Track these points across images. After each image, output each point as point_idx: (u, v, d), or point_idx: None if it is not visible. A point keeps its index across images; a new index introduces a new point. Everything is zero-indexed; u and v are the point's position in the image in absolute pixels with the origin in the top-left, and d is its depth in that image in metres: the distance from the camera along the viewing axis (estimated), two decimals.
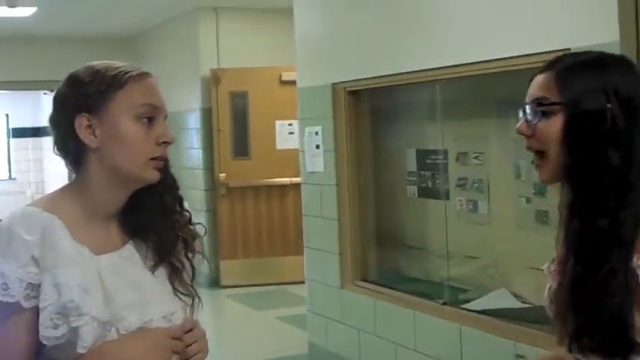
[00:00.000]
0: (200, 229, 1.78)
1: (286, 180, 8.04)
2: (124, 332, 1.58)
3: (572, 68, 1.56)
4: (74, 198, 1.65)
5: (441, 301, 4.41)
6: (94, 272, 1.59)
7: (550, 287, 1.65)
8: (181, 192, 1.76)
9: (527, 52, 3.62)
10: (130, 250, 1.67)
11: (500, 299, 4.20)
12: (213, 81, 8.34)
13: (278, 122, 8.30)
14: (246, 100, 8.43)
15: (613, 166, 1.49)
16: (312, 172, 5.40)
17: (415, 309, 4.50)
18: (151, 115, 1.64)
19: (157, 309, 1.64)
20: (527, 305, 4.10)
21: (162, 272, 1.69)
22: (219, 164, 8.33)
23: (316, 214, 5.39)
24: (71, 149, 1.65)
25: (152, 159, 1.63)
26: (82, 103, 1.61)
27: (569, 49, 3.41)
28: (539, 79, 1.61)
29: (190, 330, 1.63)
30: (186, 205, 1.77)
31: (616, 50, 3.07)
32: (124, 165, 1.61)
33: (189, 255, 1.73)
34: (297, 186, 5.97)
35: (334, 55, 5.16)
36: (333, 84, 5.13)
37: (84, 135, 1.61)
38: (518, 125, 1.63)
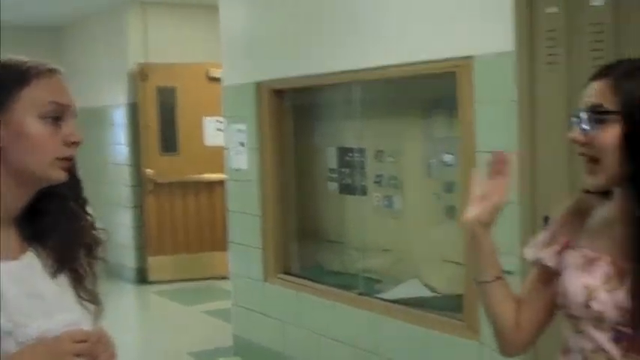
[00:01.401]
0: (103, 235, 1.71)
1: (214, 176, 8.09)
2: (22, 341, 1.48)
3: (629, 75, 1.53)
4: None
5: (357, 292, 4.64)
6: None
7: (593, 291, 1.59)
8: (86, 196, 1.70)
9: (435, 58, 3.87)
10: (30, 257, 1.57)
11: (412, 289, 4.45)
12: (140, 76, 8.34)
13: (206, 118, 8.37)
14: (174, 95, 8.46)
15: None
16: (237, 169, 5.55)
17: (334, 300, 4.72)
18: (58, 115, 1.55)
19: (60, 317, 1.53)
20: (437, 294, 4.35)
21: (64, 279, 1.60)
22: (146, 160, 8.37)
23: (240, 210, 5.55)
24: None
25: (59, 159, 1.56)
26: None
27: (472, 56, 3.67)
28: (595, 85, 1.57)
29: (98, 340, 1.53)
30: (89, 209, 1.70)
31: (510, 59, 3.35)
32: (30, 165, 1.53)
33: (91, 261, 1.66)
34: (224, 182, 6.10)
35: (258, 54, 5.32)
36: (257, 83, 5.29)
37: None
38: (572, 133, 1.59)
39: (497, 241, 3.58)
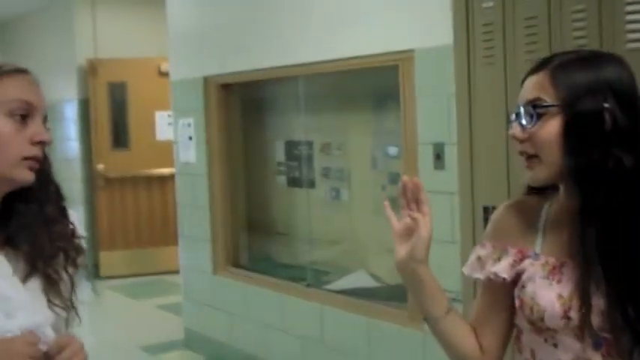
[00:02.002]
0: (84, 242, 1.70)
1: (166, 170, 8.07)
2: None
3: (566, 66, 1.50)
4: None
5: (305, 284, 4.70)
6: None
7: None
8: (65, 203, 1.68)
9: (377, 52, 3.93)
10: (1, 262, 1.55)
11: (358, 280, 4.52)
12: (90, 71, 8.31)
13: (158, 113, 8.35)
14: (125, 90, 8.44)
15: (621, 166, 1.45)
16: (186, 163, 5.57)
17: (282, 292, 4.77)
18: (25, 113, 1.54)
19: (20, 321, 1.52)
20: (381, 284, 4.43)
21: (36, 284, 1.57)
22: (97, 155, 8.33)
23: (189, 204, 5.57)
24: None
25: (25, 158, 1.53)
26: None
27: (412, 50, 3.74)
28: (533, 79, 1.53)
29: (65, 346, 1.50)
30: (73, 216, 1.69)
31: (449, 52, 3.42)
32: None
33: (70, 269, 1.63)
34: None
35: (206, 49, 5.33)
36: (205, 77, 5.31)
37: None
38: (511, 130, 1.55)
39: (438, 231, 3.67)
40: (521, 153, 1.54)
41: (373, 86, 4.45)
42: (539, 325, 1.52)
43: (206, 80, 5.31)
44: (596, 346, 1.48)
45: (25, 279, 1.56)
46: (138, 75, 8.35)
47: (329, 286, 4.58)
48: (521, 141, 1.53)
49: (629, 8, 2.79)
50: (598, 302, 1.46)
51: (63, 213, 1.64)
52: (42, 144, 1.56)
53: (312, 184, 5.01)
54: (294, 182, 5.20)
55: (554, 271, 1.53)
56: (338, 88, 4.77)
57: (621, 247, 1.45)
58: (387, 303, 4.14)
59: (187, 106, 5.52)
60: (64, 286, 1.62)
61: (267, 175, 5.43)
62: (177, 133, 5.65)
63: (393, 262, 1.63)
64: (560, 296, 1.49)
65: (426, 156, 3.72)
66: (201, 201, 5.41)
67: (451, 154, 3.55)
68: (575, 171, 1.47)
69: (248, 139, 5.46)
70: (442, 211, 3.64)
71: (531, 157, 1.52)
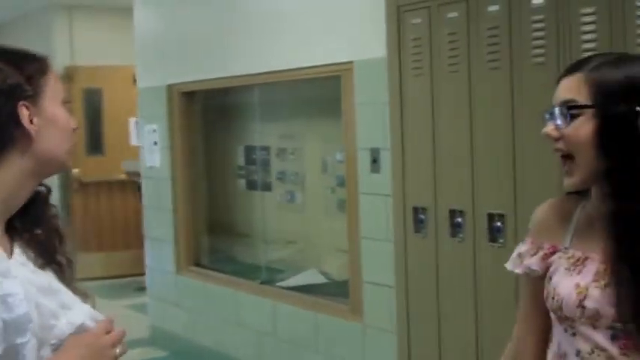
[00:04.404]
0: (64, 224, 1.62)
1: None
2: (55, 342, 1.39)
3: (601, 69, 1.51)
4: None
5: (260, 281, 4.97)
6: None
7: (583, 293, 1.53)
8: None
9: (321, 64, 4.21)
10: (19, 254, 1.46)
11: (309, 277, 4.80)
12: (66, 78, 8.52)
13: (132, 119, 8.57)
14: (101, 97, 8.66)
15: None
16: (151, 167, 5.83)
17: (238, 289, 5.04)
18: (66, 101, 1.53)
19: (80, 309, 1.46)
20: (329, 281, 4.71)
21: (51, 274, 1.49)
22: (72, 160, 8.50)
23: (154, 206, 5.83)
24: None
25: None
26: (22, 90, 1.45)
27: (352, 62, 4.03)
28: (567, 81, 1.55)
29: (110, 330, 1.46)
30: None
31: (383, 64, 3.69)
32: (58, 153, 1.48)
33: (67, 250, 1.56)
34: None
35: (169, 58, 5.60)
36: (168, 85, 5.58)
37: (27, 124, 1.44)
38: (545, 129, 1.57)
39: (374, 230, 3.96)
40: (557, 151, 1.56)
41: (322, 95, 4.73)
42: (559, 315, 1.56)
43: (169, 88, 5.58)
44: (614, 337, 1.50)
45: (42, 270, 1.48)
46: (113, 82, 8.56)
47: (282, 284, 4.85)
48: (555, 140, 1.55)
49: (535, 26, 3.08)
50: (611, 293, 1.48)
51: (48, 195, 1.58)
52: (75, 131, 1.55)
53: (268, 187, 5.28)
54: (252, 185, 5.47)
55: (577, 263, 1.56)
56: (291, 97, 5.06)
57: None
58: (333, 298, 4.42)
59: (152, 113, 5.78)
60: (69, 272, 1.56)
61: (228, 179, 5.70)
62: (143, 139, 5.91)
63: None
64: (577, 285, 1.52)
65: (364, 160, 4.00)
66: (165, 204, 5.67)
67: (386, 159, 3.83)
68: (607, 173, 1.48)
69: (210, 144, 5.73)
70: (378, 212, 3.93)
71: (566, 157, 1.54)
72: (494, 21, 3.20)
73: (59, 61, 8.53)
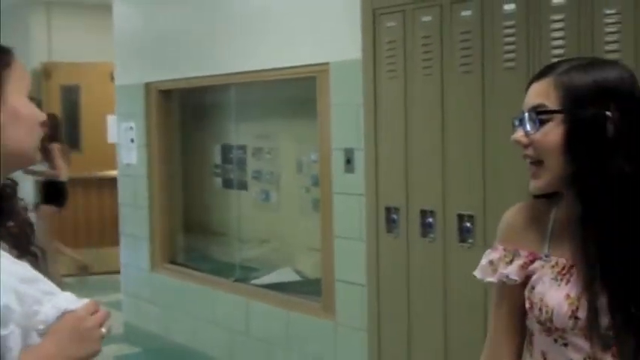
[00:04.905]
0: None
1: (116, 173, 8.32)
2: (41, 327, 1.39)
3: (570, 73, 1.50)
4: None
5: (234, 279, 5.01)
6: None
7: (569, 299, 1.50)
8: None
9: (298, 64, 4.27)
10: None
11: (282, 275, 4.85)
12: (43, 74, 8.51)
13: (109, 117, 8.56)
14: (78, 94, 8.67)
15: (622, 173, 1.45)
16: (127, 164, 5.85)
17: (212, 287, 5.08)
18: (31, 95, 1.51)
19: (63, 295, 1.44)
20: (302, 279, 4.76)
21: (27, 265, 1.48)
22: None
23: (130, 204, 5.85)
24: None
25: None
26: None
27: (328, 63, 4.08)
28: (537, 86, 1.54)
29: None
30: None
31: (358, 66, 3.75)
32: (25, 147, 1.47)
33: (38, 241, 1.57)
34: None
35: (147, 56, 5.63)
36: (146, 83, 5.60)
37: None
38: (514, 135, 1.55)
39: (348, 229, 4.00)
40: (526, 157, 1.55)
41: (298, 96, 4.78)
42: (548, 326, 1.52)
43: (147, 86, 5.60)
44: (606, 346, 1.47)
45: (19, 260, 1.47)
46: (91, 79, 8.57)
47: (256, 282, 4.90)
48: (525, 146, 1.53)
49: (506, 31, 3.15)
50: (603, 302, 1.45)
51: (15, 187, 1.56)
52: (43, 124, 1.53)
53: (244, 186, 5.32)
54: (228, 184, 5.51)
55: (563, 272, 1.52)
56: (267, 97, 5.10)
57: (622, 253, 1.45)
58: (306, 296, 4.46)
59: (130, 110, 5.80)
60: (43, 262, 1.55)
61: (204, 177, 5.73)
62: (120, 136, 5.93)
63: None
64: (568, 296, 1.49)
65: (338, 160, 4.05)
66: (141, 201, 5.69)
67: (360, 159, 3.88)
68: (576, 178, 1.47)
69: (186, 142, 5.76)
70: (352, 211, 3.98)
71: (535, 163, 1.52)
72: (467, 26, 3.27)
73: (37, 57, 8.52)
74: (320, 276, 4.37)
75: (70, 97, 8.65)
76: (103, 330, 1.43)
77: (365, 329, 3.77)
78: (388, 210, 3.64)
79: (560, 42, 2.96)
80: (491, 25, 3.19)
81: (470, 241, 3.29)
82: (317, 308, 4.27)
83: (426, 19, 3.45)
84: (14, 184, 1.54)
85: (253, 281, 4.93)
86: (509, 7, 3.12)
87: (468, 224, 3.31)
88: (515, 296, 1.60)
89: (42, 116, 1.52)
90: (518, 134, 1.54)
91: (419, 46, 3.49)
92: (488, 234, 3.22)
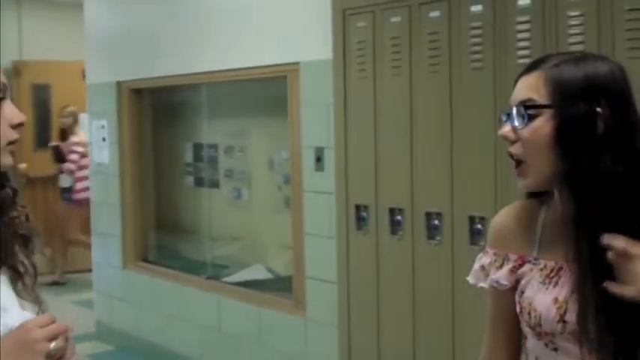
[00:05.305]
0: (36, 226, 1.57)
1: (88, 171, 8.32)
2: None
3: (560, 67, 1.45)
4: None
5: (205, 277, 5.04)
6: None
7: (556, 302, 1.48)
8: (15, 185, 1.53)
9: (268, 64, 4.30)
10: None
11: (254, 272, 4.88)
12: (14, 73, 8.46)
13: (81, 115, 8.54)
14: (49, 92, 8.63)
15: (612, 171, 1.40)
16: (99, 163, 5.85)
17: (184, 284, 5.10)
18: (2, 96, 1.42)
19: (18, 313, 1.41)
20: (274, 277, 4.80)
21: (2, 278, 1.44)
22: (19, 155, 8.47)
23: (102, 202, 5.85)
24: None
25: (9, 143, 1.42)
26: None
27: (298, 62, 4.12)
28: (526, 79, 1.49)
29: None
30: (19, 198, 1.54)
31: (328, 65, 3.79)
32: None
33: (29, 255, 1.50)
34: None
35: (119, 55, 5.63)
36: (118, 82, 5.61)
37: None
38: (502, 130, 1.50)
39: (318, 227, 4.05)
40: (510, 155, 1.50)
41: (269, 94, 4.82)
42: (538, 330, 1.49)
43: (119, 85, 5.61)
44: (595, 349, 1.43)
45: None
46: (62, 77, 8.52)
47: (227, 279, 4.93)
48: (512, 142, 1.49)
49: (473, 32, 3.21)
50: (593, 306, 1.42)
51: (14, 196, 1.50)
52: (20, 125, 1.45)
53: (216, 184, 5.35)
54: (200, 182, 5.53)
55: (551, 275, 1.49)
56: (238, 96, 5.13)
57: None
58: (277, 293, 4.51)
59: (102, 109, 5.80)
60: (29, 277, 1.48)
61: (176, 176, 5.75)
62: (92, 135, 5.93)
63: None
64: (556, 300, 1.46)
65: (309, 159, 4.10)
66: (113, 200, 5.69)
67: (330, 158, 3.92)
68: (566, 175, 1.43)
69: (158, 141, 5.78)
70: (322, 209, 4.03)
71: (519, 163, 1.48)
72: (434, 26, 3.32)
73: (7, 55, 8.45)
74: (291, 273, 4.42)
75: (41, 95, 8.60)
76: (52, 345, 1.32)
77: (335, 325, 3.82)
78: (358, 208, 3.69)
79: (525, 43, 3.02)
80: (458, 26, 3.25)
81: (438, 238, 3.35)
82: (288, 305, 4.31)
83: (395, 19, 3.51)
84: (13, 193, 1.48)
85: (225, 279, 4.96)
86: (475, 8, 3.18)
87: (436, 222, 3.37)
88: (507, 301, 1.57)
89: (17, 118, 1.43)
90: (506, 129, 1.49)
91: (388, 46, 3.54)
92: (456, 231, 3.29)
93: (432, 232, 3.39)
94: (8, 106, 1.43)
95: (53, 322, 1.34)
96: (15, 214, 1.48)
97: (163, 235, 5.81)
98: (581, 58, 1.48)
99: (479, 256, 1.64)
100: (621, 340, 1.40)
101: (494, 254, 1.59)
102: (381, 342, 3.60)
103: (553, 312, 1.45)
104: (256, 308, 4.50)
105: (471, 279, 1.64)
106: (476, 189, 3.19)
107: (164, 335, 5.24)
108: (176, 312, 5.13)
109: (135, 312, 5.54)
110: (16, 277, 1.45)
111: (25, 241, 1.49)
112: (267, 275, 4.86)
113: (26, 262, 1.48)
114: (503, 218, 1.62)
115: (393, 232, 3.53)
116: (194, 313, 4.98)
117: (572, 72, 1.44)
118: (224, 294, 4.77)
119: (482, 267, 1.60)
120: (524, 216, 1.57)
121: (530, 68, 1.50)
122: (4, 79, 1.44)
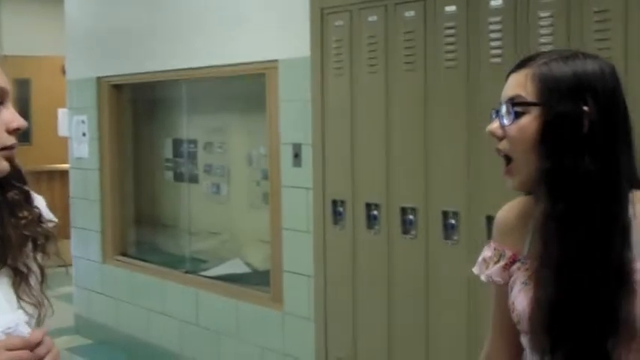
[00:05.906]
0: (53, 228, 1.54)
1: (67, 166, 8.30)
2: None
3: (549, 64, 1.45)
4: None
5: (184, 271, 5.09)
6: None
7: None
8: (28, 187, 1.53)
9: (247, 61, 4.36)
10: None
11: (232, 267, 4.94)
12: None
13: (60, 110, 8.54)
14: (29, 87, 8.63)
15: (590, 172, 1.39)
16: (79, 158, 5.88)
17: (163, 278, 5.16)
18: (0, 100, 1.42)
19: (5, 317, 1.38)
20: (252, 271, 4.87)
21: (3, 279, 1.43)
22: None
23: (81, 197, 5.88)
24: None
25: (3, 149, 1.42)
26: None
27: (277, 60, 4.18)
28: (515, 76, 1.49)
29: (39, 343, 1.35)
30: (38, 201, 1.54)
31: (307, 63, 3.86)
32: None
33: (39, 257, 1.49)
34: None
35: (99, 50, 5.66)
36: (98, 77, 5.64)
37: None
38: (490, 126, 1.50)
39: (295, 222, 4.11)
40: (498, 151, 1.51)
41: (248, 91, 4.87)
42: (521, 328, 1.50)
43: (99, 80, 5.64)
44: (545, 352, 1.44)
45: None
46: (42, 72, 8.54)
47: (206, 273, 4.99)
48: (499, 138, 1.49)
49: (447, 32, 3.29)
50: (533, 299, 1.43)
51: (26, 198, 1.49)
52: (17, 130, 1.44)
53: (195, 180, 5.40)
54: (179, 177, 5.58)
55: (532, 276, 1.48)
56: (217, 92, 5.19)
57: (578, 255, 1.40)
58: (255, 287, 4.57)
59: (82, 104, 5.83)
60: (34, 279, 1.48)
61: (156, 171, 5.80)
62: (72, 130, 5.95)
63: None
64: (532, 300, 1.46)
65: (286, 155, 4.16)
66: (93, 194, 5.73)
67: (307, 154, 3.99)
68: (545, 173, 1.42)
69: (138, 136, 5.82)
70: (299, 205, 4.09)
71: (508, 161, 1.48)
72: (410, 26, 3.40)
73: None
74: (269, 267, 4.48)
75: (21, 90, 8.59)
76: None
77: (312, 319, 3.89)
78: (334, 203, 3.76)
79: (497, 42, 3.10)
80: (433, 26, 3.32)
81: (413, 232, 3.43)
82: (266, 298, 4.38)
83: (372, 19, 3.58)
84: (24, 195, 1.48)
85: (203, 273, 5.02)
86: (450, 8, 3.26)
87: (411, 217, 3.45)
88: (503, 295, 1.57)
89: (15, 122, 1.42)
90: (493, 126, 1.49)
91: (365, 45, 3.61)
92: (431, 226, 3.37)
93: (407, 226, 3.46)
94: (8, 110, 1.43)
95: (36, 342, 1.32)
96: (26, 214, 1.47)
97: (142, 230, 5.86)
98: (571, 56, 1.47)
99: (485, 247, 1.64)
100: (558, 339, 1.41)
101: (495, 249, 1.59)
102: (357, 335, 3.68)
103: (528, 312, 1.45)
104: (234, 302, 4.56)
105: (475, 270, 1.64)
106: (449, 185, 3.27)
107: (143, 329, 5.29)
108: (155, 306, 5.18)
109: (114, 306, 5.59)
110: (20, 279, 1.44)
111: (35, 243, 1.48)
112: (245, 269, 4.92)
113: (32, 263, 1.47)
114: (506, 213, 1.62)
115: (369, 226, 3.60)
116: (173, 307, 5.04)
117: (561, 70, 1.43)
118: (203, 288, 4.83)
119: (484, 260, 1.61)
120: (526, 212, 1.55)
121: (520, 65, 1.50)
122: (5, 84, 1.43)
